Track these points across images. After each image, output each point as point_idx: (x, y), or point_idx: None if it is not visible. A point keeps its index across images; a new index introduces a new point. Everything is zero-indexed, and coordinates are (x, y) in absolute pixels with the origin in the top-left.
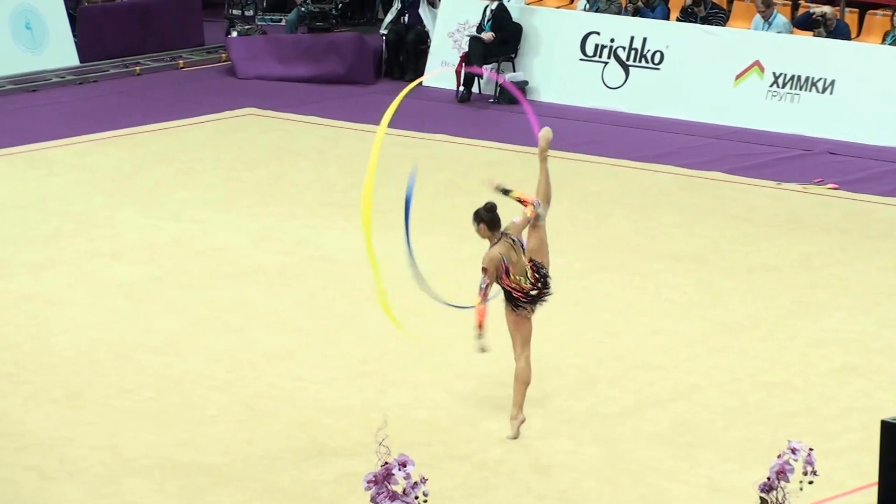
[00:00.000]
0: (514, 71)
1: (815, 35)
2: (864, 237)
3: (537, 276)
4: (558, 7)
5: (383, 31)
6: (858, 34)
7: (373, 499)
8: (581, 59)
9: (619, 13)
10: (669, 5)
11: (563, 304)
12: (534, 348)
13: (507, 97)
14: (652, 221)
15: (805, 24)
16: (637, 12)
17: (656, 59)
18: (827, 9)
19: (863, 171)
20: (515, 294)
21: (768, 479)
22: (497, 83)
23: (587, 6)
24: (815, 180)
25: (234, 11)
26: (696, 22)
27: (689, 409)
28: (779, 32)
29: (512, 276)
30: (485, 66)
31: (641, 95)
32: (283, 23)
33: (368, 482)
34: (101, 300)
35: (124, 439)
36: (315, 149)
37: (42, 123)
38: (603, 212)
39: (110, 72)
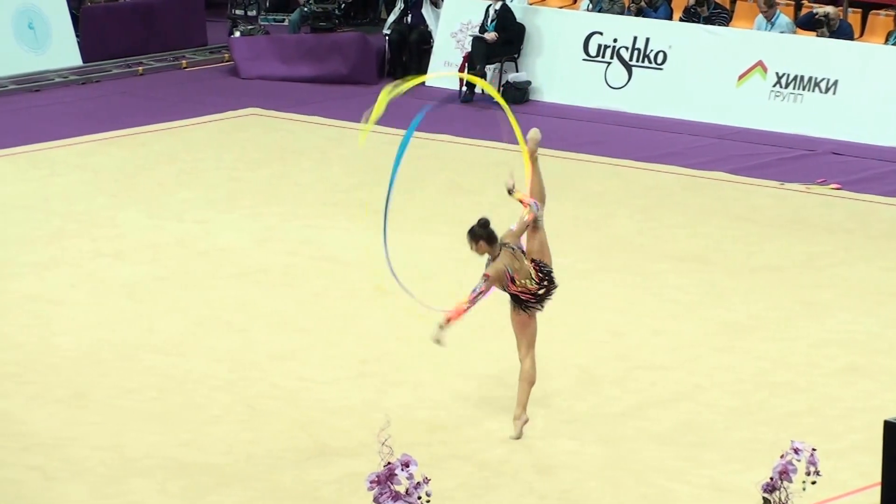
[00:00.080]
0: (517, 71)
1: (818, 35)
2: (868, 237)
3: (541, 275)
4: (561, 7)
5: (386, 31)
6: (861, 34)
7: (375, 499)
8: (584, 60)
9: (621, 13)
10: (672, 5)
11: (566, 305)
12: (537, 348)
13: (511, 98)
14: (655, 221)
15: (808, 24)
16: (640, 12)
17: (659, 60)
18: (830, 9)
19: (866, 172)
20: (524, 297)
21: (771, 479)
22: (500, 84)
23: (590, 6)
24: (819, 180)
25: (237, 11)
26: (699, 22)
27: (692, 409)
28: (782, 32)
29: (518, 283)
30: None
31: (644, 95)
32: (286, 23)
33: (371, 482)
34: (104, 300)
35: (127, 439)
36: (318, 149)
37: (45, 123)
38: (606, 212)
39: (113, 72)
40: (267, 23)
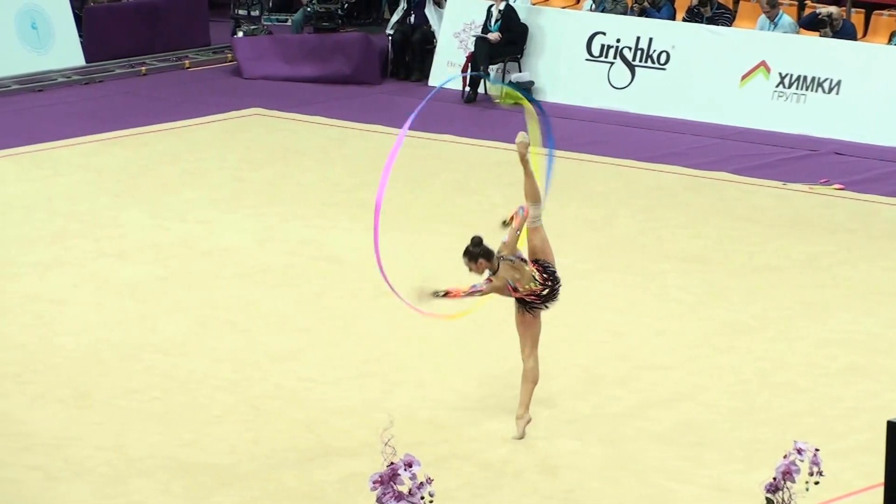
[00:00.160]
0: (520, 71)
1: (821, 35)
2: (870, 237)
3: (545, 275)
4: (564, 7)
5: (389, 31)
6: (864, 34)
7: (378, 499)
8: (587, 60)
9: (624, 13)
10: (675, 5)
11: (568, 305)
12: (540, 349)
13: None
14: (657, 222)
15: (811, 24)
16: (643, 12)
17: (662, 60)
18: (833, 9)
19: (869, 172)
20: (529, 299)
21: (774, 479)
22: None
23: (593, 6)
24: (821, 181)
25: (240, 11)
26: (701, 22)
27: (694, 409)
28: (785, 33)
29: (521, 289)
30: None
31: (647, 96)
32: (288, 23)
33: (374, 482)
34: (106, 300)
35: (130, 439)
36: (320, 149)
37: (48, 123)
38: (608, 212)
39: (116, 72)
40: (270, 23)
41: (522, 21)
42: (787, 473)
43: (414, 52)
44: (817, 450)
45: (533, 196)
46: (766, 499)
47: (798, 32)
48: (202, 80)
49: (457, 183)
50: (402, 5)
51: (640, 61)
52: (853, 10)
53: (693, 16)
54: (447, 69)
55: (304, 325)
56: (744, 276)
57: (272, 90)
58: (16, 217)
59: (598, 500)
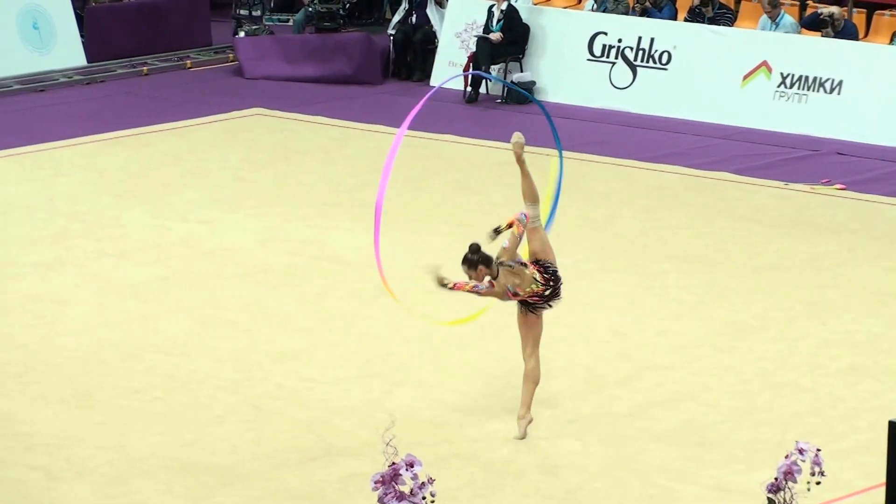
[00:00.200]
0: (522, 71)
1: (822, 35)
2: (872, 237)
3: (546, 275)
4: (566, 7)
5: (391, 31)
6: (866, 34)
7: (380, 499)
8: (588, 60)
9: (626, 13)
10: (677, 6)
11: (570, 305)
12: (542, 348)
13: (515, 98)
14: (659, 222)
15: (813, 24)
16: (644, 12)
17: (664, 60)
18: (835, 9)
19: (870, 172)
20: (532, 300)
21: (776, 479)
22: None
23: (595, 6)
24: (823, 181)
25: (242, 11)
26: (703, 22)
27: (695, 409)
28: (786, 33)
29: (522, 293)
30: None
31: (649, 96)
32: (290, 23)
33: (376, 482)
34: (108, 300)
35: (131, 439)
36: (322, 149)
37: (49, 123)
38: (610, 212)
39: (118, 72)
40: (271, 23)
41: (524, 21)
42: (789, 473)
43: (415, 52)
44: (819, 450)
45: (531, 196)
46: (768, 499)
47: (800, 32)
48: (204, 80)
49: (458, 183)
50: (404, 5)
51: (642, 61)
52: (855, 10)
53: (695, 16)
54: (449, 69)
55: (305, 325)
56: (745, 276)
57: (274, 90)
58: (17, 217)
59: (600, 501)
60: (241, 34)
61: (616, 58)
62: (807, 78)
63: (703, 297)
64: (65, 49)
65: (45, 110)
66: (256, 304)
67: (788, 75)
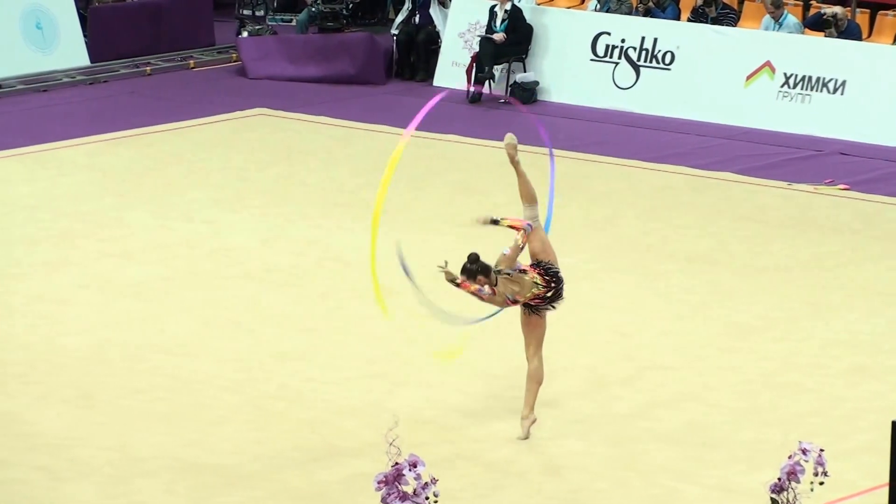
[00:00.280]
0: (525, 71)
1: (825, 35)
2: (875, 238)
3: (547, 277)
4: (569, 7)
5: (394, 31)
6: (869, 35)
7: (383, 499)
8: (592, 60)
9: (629, 13)
10: (680, 6)
11: (573, 305)
12: (545, 349)
13: (518, 98)
14: (662, 222)
15: (816, 24)
16: (648, 13)
17: (667, 60)
18: (838, 9)
19: (874, 172)
20: (534, 302)
21: (779, 479)
22: (507, 84)
23: (598, 6)
24: (826, 181)
25: (245, 11)
26: (706, 22)
27: (700, 409)
28: (790, 33)
29: (522, 299)
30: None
31: (652, 96)
32: (293, 23)
33: (379, 483)
34: (111, 300)
35: (134, 440)
36: (325, 149)
37: (52, 123)
38: (613, 212)
39: (121, 72)
40: (274, 23)
41: (527, 21)
42: (792, 474)
43: (419, 52)
44: (822, 450)
45: (528, 197)
46: (771, 499)
47: (803, 33)
48: (207, 80)
49: (460, 183)
50: (407, 5)
51: (645, 61)
52: (858, 10)
53: (698, 16)
54: (452, 69)
55: (308, 325)
56: (749, 276)
57: (277, 90)
58: (21, 217)
59: (604, 501)
60: (245, 34)
61: (619, 58)
62: (810, 78)
63: (706, 297)
64: (68, 49)
65: (48, 110)
66: (259, 304)
67: (792, 75)
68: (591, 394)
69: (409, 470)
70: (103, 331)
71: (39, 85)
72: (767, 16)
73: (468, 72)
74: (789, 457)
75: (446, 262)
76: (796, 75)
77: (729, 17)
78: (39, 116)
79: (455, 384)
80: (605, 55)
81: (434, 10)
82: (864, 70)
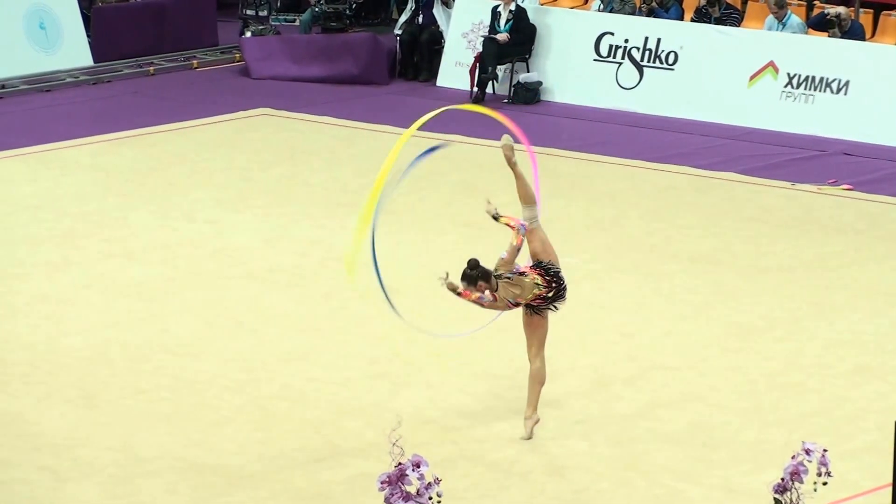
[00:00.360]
0: (528, 71)
1: (829, 36)
2: (879, 238)
3: (548, 277)
4: (572, 7)
5: (397, 31)
6: (873, 35)
7: (386, 499)
8: (595, 60)
9: (633, 14)
10: (683, 6)
11: (577, 305)
12: (548, 349)
13: (522, 98)
14: (666, 222)
15: (819, 24)
16: (651, 13)
17: (670, 60)
18: (841, 9)
19: (877, 172)
20: (535, 303)
21: (782, 480)
22: (511, 84)
23: (601, 7)
24: (830, 181)
25: (248, 12)
26: (710, 22)
27: (703, 410)
28: (793, 33)
29: (523, 301)
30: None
31: (655, 96)
32: (296, 23)
33: (382, 483)
34: (114, 301)
35: (138, 440)
36: (329, 149)
37: (56, 123)
38: (616, 212)
39: (124, 72)
40: (278, 23)
41: (531, 21)
42: (796, 474)
43: (422, 52)
44: (825, 450)
45: (526, 198)
46: (775, 499)
47: (806, 33)
48: (210, 80)
49: (464, 183)
50: (411, 5)
51: (649, 61)
52: (861, 10)
53: (701, 16)
54: (455, 69)
55: (312, 325)
56: (752, 276)
57: (280, 90)
58: (24, 217)
59: (607, 501)
60: (248, 34)
61: (623, 58)
62: (813, 78)
63: (709, 297)
64: (71, 49)
65: (51, 110)
66: (262, 304)
67: (795, 75)
68: (594, 394)
69: (413, 470)
70: (106, 331)
71: (43, 85)
72: (771, 16)
73: (471, 72)
74: (793, 457)
75: (447, 274)
76: (800, 75)
77: (732, 17)
78: (43, 116)
79: (458, 384)
80: (609, 55)
81: (437, 10)
82: (868, 70)
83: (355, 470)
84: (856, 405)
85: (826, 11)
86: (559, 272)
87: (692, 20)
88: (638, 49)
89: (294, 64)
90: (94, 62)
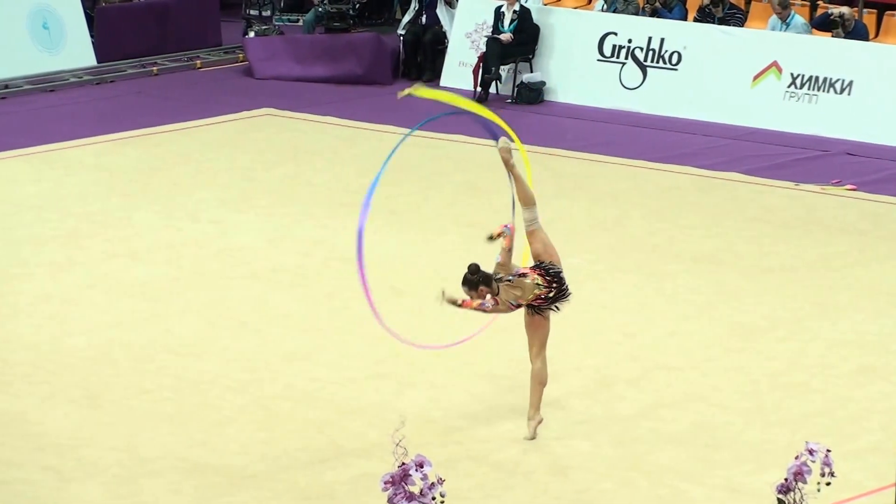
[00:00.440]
0: (532, 71)
1: (832, 36)
2: (882, 238)
3: (548, 277)
4: (576, 7)
5: (401, 31)
6: (876, 35)
7: (390, 499)
8: (598, 60)
9: (636, 14)
10: (687, 6)
11: (580, 305)
12: (551, 349)
13: (525, 98)
14: (669, 222)
15: (823, 24)
16: (654, 13)
17: (674, 60)
18: (845, 9)
19: (881, 172)
20: (537, 303)
21: (786, 480)
22: (514, 84)
23: (604, 7)
24: (833, 181)
25: (252, 11)
26: (713, 22)
27: (706, 410)
28: (797, 33)
29: (525, 302)
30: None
31: (659, 96)
32: (300, 23)
33: (385, 483)
34: (118, 301)
35: (141, 440)
36: (332, 149)
37: (59, 123)
38: (620, 212)
39: (128, 72)
40: (281, 23)
41: (534, 21)
42: (799, 474)
43: (425, 52)
44: (829, 450)
45: (525, 200)
46: (778, 500)
47: (810, 33)
48: (214, 80)
49: (467, 183)
50: (414, 5)
51: (652, 62)
52: (865, 10)
53: (705, 16)
54: (459, 69)
55: (315, 325)
56: (755, 276)
57: (284, 90)
58: (28, 217)
59: (610, 501)
60: (251, 34)
61: (626, 58)
62: (817, 78)
63: (711, 297)
64: (75, 49)
65: (55, 110)
66: (266, 304)
67: (799, 76)
68: (597, 394)
69: (416, 470)
70: (110, 331)
71: (46, 85)
72: (774, 16)
73: (475, 72)
74: (796, 457)
75: (444, 292)
76: (803, 75)
77: (736, 18)
78: (46, 116)
79: (461, 384)
80: (612, 55)
81: (441, 11)
82: (871, 70)
83: (358, 470)
84: (859, 405)
85: (829, 11)
86: (560, 272)
87: (695, 20)
88: (641, 49)
89: (297, 64)
90: (98, 62)
